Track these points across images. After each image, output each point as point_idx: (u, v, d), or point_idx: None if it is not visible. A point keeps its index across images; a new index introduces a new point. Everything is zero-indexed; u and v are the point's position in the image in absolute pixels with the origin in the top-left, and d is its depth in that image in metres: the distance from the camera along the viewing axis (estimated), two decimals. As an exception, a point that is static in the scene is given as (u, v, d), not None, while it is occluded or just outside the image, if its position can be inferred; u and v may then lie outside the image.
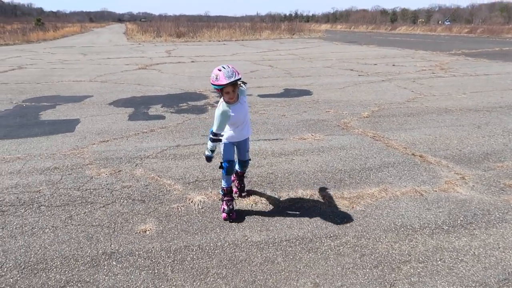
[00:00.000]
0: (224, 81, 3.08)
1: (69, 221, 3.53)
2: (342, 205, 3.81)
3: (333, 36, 39.02)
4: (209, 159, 3.45)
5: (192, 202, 3.88)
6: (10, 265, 2.92)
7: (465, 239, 3.23)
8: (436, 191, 4.09)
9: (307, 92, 9.49)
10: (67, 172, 4.62)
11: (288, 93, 9.50)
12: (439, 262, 2.93)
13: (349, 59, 17.02)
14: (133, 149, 5.39)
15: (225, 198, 3.60)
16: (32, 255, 3.03)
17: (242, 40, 32.25)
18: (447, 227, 3.40)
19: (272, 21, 58.34)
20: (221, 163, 3.53)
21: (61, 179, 4.43)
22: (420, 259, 2.97)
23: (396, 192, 4.06)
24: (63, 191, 4.12)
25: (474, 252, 3.05)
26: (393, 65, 14.79)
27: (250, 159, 3.79)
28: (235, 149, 3.62)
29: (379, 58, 17.19)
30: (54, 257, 3.01)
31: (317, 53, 19.95)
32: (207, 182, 4.33)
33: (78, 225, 3.46)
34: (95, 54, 20.04)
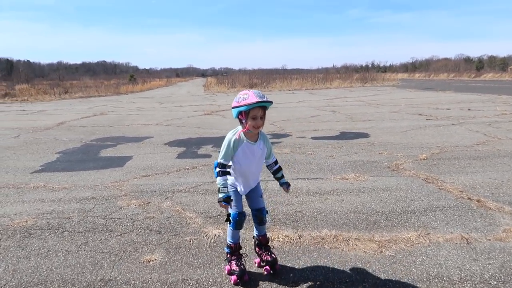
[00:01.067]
0: (253, 99, 2.53)
1: (83, 246, 3.54)
2: (369, 248, 3.34)
3: (408, 84, 37.69)
4: (226, 200, 2.72)
5: (206, 236, 3.70)
6: (13, 284, 2.95)
7: (517, 298, 2.58)
8: (489, 240, 3.43)
9: (364, 135, 9.02)
10: (100, 202, 4.75)
11: (344, 135, 9.12)
12: (476, 323, 2.34)
13: (419, 104, 16.13)
14: (169, 183, 5.43)
15: (232, 258, 2.91)
16: (36, 276, 3.04)
17: (312, 89, 32.55)
18: (495, 282, 2.77)
19: (345, 71, 58.43)
20: (227, 214, 2.87)
21: (93, 208, 4.55)
22: (451, 317, 2.41)
23: (439, 239, 3.48)
24: (90, 218, 4.21)
25: (526, 315, 2.40)
26: (469, 109, 13.65)
27: (267, 211, 3.01)
28: (244, 197, 3.00)
29: (454, 103, 16.03)
30: (54, 280, 2.99)
31: (386, 99, 19.27)
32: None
33: (90, 251, 3.45)
34: (170, 103, 21.52)
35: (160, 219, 4.13)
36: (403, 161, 6.35)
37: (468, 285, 2.75)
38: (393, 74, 73.04)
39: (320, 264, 3.11)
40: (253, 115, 2.62)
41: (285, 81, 37.31)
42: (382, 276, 2.90)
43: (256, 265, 3.08)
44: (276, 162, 3.02)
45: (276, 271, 2.96)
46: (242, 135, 2.74)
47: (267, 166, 3.02)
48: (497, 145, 7.42)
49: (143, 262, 3.23)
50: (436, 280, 2.83)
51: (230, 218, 2.85)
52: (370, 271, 2.98)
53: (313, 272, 2.99)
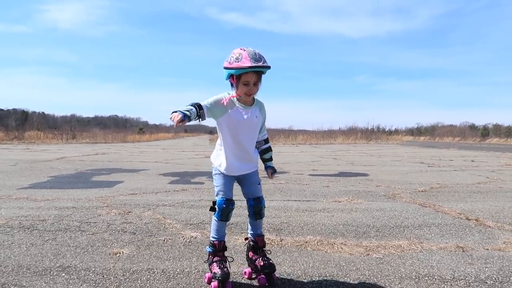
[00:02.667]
0: (247, 62, 2.12)
1: (50, 241, 3.32)
2: (355, 251, 3.07)
3: (412, 143, 37.78)
4: (184, 113, 2.08)
5: (182, 237, 3.46)
6: (-36, 266, 2.71)
7: (515, 295, 2.29)
8: (487, 249, 3.16)
9: (363, 174, 8.83)
10: (80, 210, 4.55)
11: (342, 174, 8.94)
12: (468, 313, 2.06)
13: (422, 156, 15.99)
14: (155, 200, 5.24)
15: (214, 259, 2.37)
16: (-9, 261, 2.80)
17: (316, 144, 32.69)
18: (491, 282, 2.49)
19: (350, 131, 58.89)
20: (213, 202, 2.40)
21: (71, 214, 4.35)
22: (440, 307, 2.12)
23: (432, 247, 3.21)
24: (66, 222, 4.00)
25: (525, 308, 2.11)
26: (472, 161, 13.47)
27: (263, 201, 2.50)
28: (237, 183, 2.52)
29: (457, 157, 15.87)
30: (9, 264, 2.75)
31: (389, 153, 19.19)
32: (210, 224, 3.89)
33: (56, 245, 3.22)
34: (173, 150, 21.61)
35: (137, 224, 3.91)
36: (401, 191, 6.12)
37: (462, 283, 2.47)
38: (399, 136, 73.50)
39: (300, 262, 2.85)
40: (245, 80, 2.20)
41: (290, 136, 37.64)
42: (367, 273, 2.63)
43: (246, 276, 2.47)
44: (266, 141, 2.56)
45: (274, 282, 2.37)
46: (234, 100, 2.32)
47: (256, 143, 2.51)
48: (500, 184, 7.18)
49: (109, 254, 2.99)
50: (426, 278, 2.55)
51: (216, 205, 2.37)
52: (354, 269, 2.71)
53: (290, 268, 2.73)
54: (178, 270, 2.67)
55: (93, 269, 2.68)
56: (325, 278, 2.54)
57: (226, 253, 2.50)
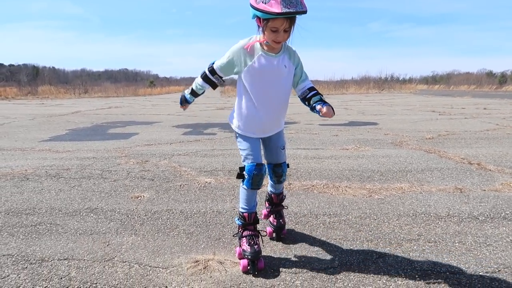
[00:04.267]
0: (276, 7, 1.71)
1: (76, 187, 3.60)
2: (358, 193, 3.29)
3: (426, 92, 37.13)
4: (181, 102, 2.36)
5: (197, 182, 3.71)
6: (3, 209, 3.01)
7: (504, 228, 2.50)
8: (484, 190, 3.34)
9: (372, 123, 8.92)
10: (100, 160, 4.82)
11: (352, 123, 9.04)
12: (457, 244, 2.28)
13: (434, 105, 15.86)
14: (170, 150, 5.48)
15: (244, 233, 2.11)
16: (25, 205, 3.10)
17: (327, 94, 32.40)
18: (483, 218, 2.69)
19: (363, 81, 57.86)
20: (240, 168, 2.10)
21: (92, 163, 4.62)
22: (432, 239, 2.35)
23: (432, 189, 3.40)
24: (88, 170, 4.27)
25: (503, 235, 2.33)
26: (484, 108, 13.35)
27: (288, 164, 2.33)
28: (262, 146, 2.23)
29: (470, 105, 15.71)
30: (43, 207, 3.04)
31: (401, 102, 19.03)
32: (223, 171, 4.14)
33: (82, 190, 3.50)
34: (185, 102, 21.72)
35: (155, 172, 4.17)
36: (408, 139, 6.25)
37: (455, 219, 2.67)
38: (412, 85, 71.90)
39: (306, 203, 3.08)
40: (273, 26, 1.80)
41: (301, 87, 37.26)
42: (368, 212, 2.85)
43: (267, 235, 2.40)
44: (312, 89, 2.06)
45: (280, 238, 2.37)
46: (258, 45, 1.95)
47: (301, 98, 2.08)
48: (508, 130, 7.23)
49: (131, 197, 3.26)
50: (423, 215, 2.76)
51: (244, 172, 2.06)
52: (356, 208, 2.93)
53: (297, 208, 2.96)
54: (194, 210, 2.93)
55: (118, 210, 2.95)
56: (329, 215, 2.77)
57: (259, 226, 2.21)
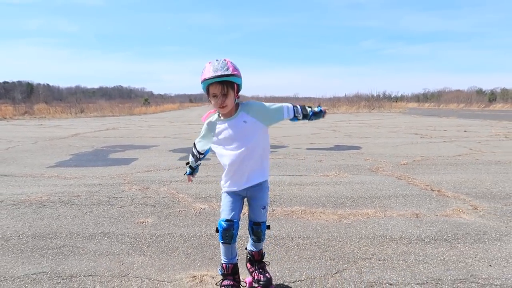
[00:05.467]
0: (206, 73, 2.04)
1: (88, 213, 4.16)
2: (330, 219, 3.89)
3: (414, 111, 38.18)
4: (189, 174, 2.66)
5: (194, 209, 4.29)
6: (29, 234, 3.56)
7: (442, 249, 3.11)
8: (437, 215, 3.96)
9: (356, 148, 9.58)
10: (106, 187, 5.39)
11: (337, 147, 9.69)
12: (401, 262, 2.89)
13: (419, 127, 16.64)
14: (168, 176, 6.07)
15: (224, 282, 2.33)
16: (48, 230, 3.66)
17: (319, 113, 33.20)
18: (428, 240, 3.30)
19: (357, 99, 59.02)
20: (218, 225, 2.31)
21: (99, 190, 5.19)
22: (382, 258, 2.95)
23: (393, 214, 4.02)
24: (96, 197, 4.84)
25: (444, 258, 2.94)
26: (465, 131, 14.12)
27: (268, 226, 2.43)
28: (244, 204, 2.41)
29: (453, 126, 16.50)
30: (63, 232, 3.60)
31: (388, 123, 19.82)
32: (216, 198, 4.72)
33: (94, 216, 4.07)
34: (180, 122, 22.38)
35: (156, 198, 4.75)
36: (385, 165, 6.89)
37: (405, 241, 3.28)
38: (403, 103, 73.18)
39: (285, 228, 3.67)
40: (212, 92, 2.09)
41: (293, 106, 38.15)
42: (335, 235, 3.45)
43: (247, 285, 2.47)
44: (295, 106, 2.29)
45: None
46: (215, 118, 2.26)
47: (297, 118, 2.29)
48: (478, 156, 7.91)
49: (138, 223, 3.83)
50: (380, 237, 3.37)
51: (217, 225, 2.30)
52: (326, 231, 3.53)
53: (277, 231, 3.55)
54: (191, 234, 3.51)
55: (127, 234, 3.53)
56: (303, 238, 3.37)
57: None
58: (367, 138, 12.01)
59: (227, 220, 2.25)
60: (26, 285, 2.58)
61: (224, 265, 2.34)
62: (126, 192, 5.07)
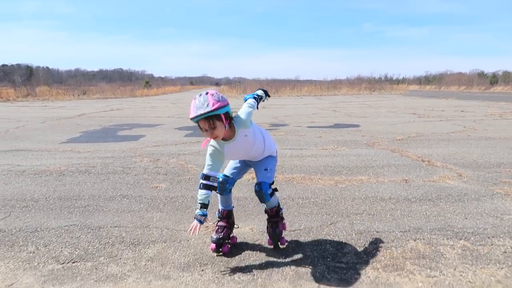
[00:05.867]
0: (191, 113, 2.23)
1: (106, 181, 4.55)
2: (327, 184, 4.28)
3: (415, 93, 38.32)
4: (200, 221, 2.40)
5: (202, 176, 4.67)
6: (55, 196, 3.96)
7: (425, 206, 3.50)
8: (424, 181, 4.34)
9: (355, 126, 9.92)
10: (118, 159, 5.77)
11: (337, 126, 10.04)
12: (388, 216, 3.28)
13: (417, 107, 16.92)
14: (176, 150, 6.44)
15: (218, 223, 2.71)
16: (71, 193, 4.05)
17: (320, 95, 33.47)
18: (414, 200, 3.69)
19: (357, 82, 58.89)
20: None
21: (113, 162, 5.57)
22: (372, 213, 3.34)
23: (384, 180, 4.40)
24: (111, 167, 5.23)
25: (426, 213, 3.32)
26: (462, 111, 14.42)
27: (274, 187, 2.63)
28: (247, 166, 2.72)
29: (451, 107, 16.79)
30: (85, 195, 4.00)
31: (387, 104, 20.08)
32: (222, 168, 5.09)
33: (111, 182, 4.46)
34: (182, 104, 22.64)
35: (167, 168, 5.13)
36: (381, 140, 7.26)
37: (394, 200, 3.67)
38: (404, 86, 72.88)
39: (287, 191, 4.05)
40: (201, 127, 2.28)
41: (295, 88, 38.33)
42: (331, 196, 3.84)
43: (268, 243, 2.73)
44: (250, 106, 2.63)
45: (278, 246, 2.66)
46: (215, 143, 2.42)
47: (257, 107, 2.71)
48: (471, 133, 8.26)
49: (152, 187, 4.23)
50: (371, 198, 3.75)
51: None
52: (323, 193, 3.92)
53: (279, 194, 3.93)
54: (202, 196, 3.90)
55: (144, 196, 3.92)
56: (302, 199, 3.76)
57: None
58: (366, 117, 12.34)
59: (225, 176, 2.61)
60: (61, 234, 2.97)
61: (220, 210, 2.73)
62: (138, 163, 5.45)
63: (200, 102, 2.19)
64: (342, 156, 5.77)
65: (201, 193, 2.42)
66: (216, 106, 2.19)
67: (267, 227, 2.71)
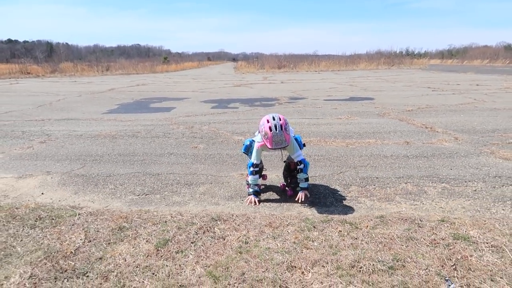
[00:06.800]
0: (270, 145, 2.92)
1: (152, 142, 5.43)
2: (339, 145, 5.05)
3: (435, 68, 37.96)
4: (255, 193, 3.16)
5: (233, 139, 5.50)
6: (115, 153, 4.85)
7: (420, 161, 4.25)
8: (423, 143, 5.06)
9: (369, 99, 10.54)
10: (158, 127, 6.65)
11: (352, 99, 10.67)
12: (387, 167, 4.04)
13: (434, 81, 17.24)
14: (206, 119, 7.28)
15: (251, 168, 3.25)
16: (127, 151, 4.94)
17: (338, 70, 33.66)
18: (411, 156, 4.44)
19: (376, 56, 58.23)
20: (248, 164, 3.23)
21: (154, 128, 6.45)
22: (374, 165, 4.12)
23: (389, 142, 5.14)
24: (153, 133, 6.10)
25: (419, 165, 4.08)
26: (477, 85, 14.74)
27: (305, 163, 3.21)
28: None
29: (467, 81, 17.04)
30: (139, 152, 4.88)
31: (404, 78, 20.37)
32: (249, 133, 5.91)
33: (157, 144, 5.33)
34: (203, 79, 23.42)
35: (201, 133, 5.98)
36: (391, 111, 7.92)
37: (394, 157, 4.42)
38: (425, 60, 71.36)
39: (304, 150, 4.83)
40: (270, 149, 3.03)
41: (313, 63, 38.51)
42: (342, 154, 4.62)
43: (281, 188, 3.45)
44: (299, 163, 3.20)
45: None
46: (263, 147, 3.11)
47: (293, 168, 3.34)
48: (479, 104, 8.81)
49: (192, 147, 5.08)
50: (375, 155, 4.52)
51: (247, 165, 3.26)
52: (335, 152, 4.70)
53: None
54: (234, 153, 4.73)
55: (187, 153, 4.78)
56: (317, 156, 4.55)
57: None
58: (382, 91, 12.88)
59: (255, 165, 3.20)
60: (130, 178, 3.86)
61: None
62: (176, 130, 6.32)
63: (279, 138, 2.89)
64: (354, 124, 6.50)
65: (252, 177, 3.17)
66: (288, 141, 2.96)
67: (286, 177, 3.43)
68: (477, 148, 4.73)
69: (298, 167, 3.18)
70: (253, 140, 3.26)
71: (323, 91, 13.30)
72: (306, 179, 3.20)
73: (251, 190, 3.19)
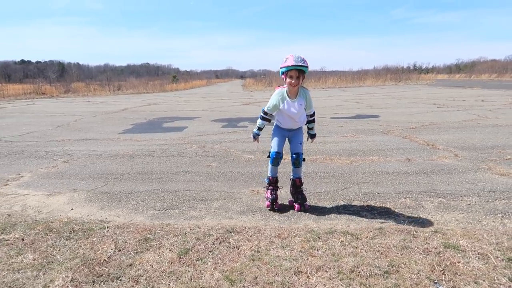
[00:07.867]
0: (291, 62, 3.14)
1: (167, 162, 5.78)
2: (343, 163, 5.35)
3: (442, 83, 38.20)
4: (254, 137, 3.69)
5: (244, 158, 5.84)
6: (134, 172, 5.21)
7: (420, 178, 4.53)
8: (424, 160, 5.34)
9: (375, 116, 10.85)
10: (172, 146, 7.02)
11: (358, 116, 10.99)
12: (388, 183, 4.33)
13: (440, 98, 17.50)
14: (218, 138, 7.65)
15: (269, 187, 3.64)
16: (145, 170, 5.30)
17: (345, 87, 34.08)
18: (412, 173, 4.72)
19: (383, 72, 58.59)
20: (269, 152, 3.62)
21: (168, 148, 6.83)
22: (376, 182, 4.41)
23: (391, 159, 5.43)
24: (168, 152, 6.47)
25: (418, 182, 4.36)
26: (482, 100, 14.97)
27: (303, 157, 3.65)
28: (287, 141, 3.68)
29: (473, 97, 17.28)
30: (156, 171, 5.23)
31: (411, 95, 20.66)
32: (258, 152, 6.25)
33: (172, 162, 5.68)
34: (212, 98, 23.97)
35: (213, 152, 6.33)
36: (395, 129, 8.21)
37: (395, 174, 4.71)
38: (432, 75, 71.61)
39: (311, 167, 5.16)
40: (290, 75, 3.23)
41: (320, 80, 39.01)
42: (346, 171, 4.92)
43: (289, 203, 3.74)
44: (312, 115, 3.67)
45: (305, 208, 3.58)
46: (285, 93, 3.40)
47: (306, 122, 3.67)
48: (481, 121, 9.06)
49: (205, 166, 5.42)
50: (378, 172, 4.81)
51: (270, 154, 3.58)
52: (340, 169, 5.01)
53: (305, 169, 5.05)
54: (245, 171, 5.06)
55: (200, 171, 5.12)
56: (322, 173, 4.85)
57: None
58: (387, 108, 13.18)
59: (277, 152, 3.57)
60: (150, 194, 4.20)
61: (270, 177, 3.67)
62: (189, 149, 6.68)
63: (300, 58, 3.21)
64: (359, 142, 6.80)
65: (260, 122, 3.65)
66: (307, 65, 3.25)
67: (296, 195, 3.66)
68: (475, 165, 5.00)
69: (310, 118, 3.70)
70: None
71: (330, 108, 13.64)
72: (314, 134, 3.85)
73: (255, 130, 3.68)
